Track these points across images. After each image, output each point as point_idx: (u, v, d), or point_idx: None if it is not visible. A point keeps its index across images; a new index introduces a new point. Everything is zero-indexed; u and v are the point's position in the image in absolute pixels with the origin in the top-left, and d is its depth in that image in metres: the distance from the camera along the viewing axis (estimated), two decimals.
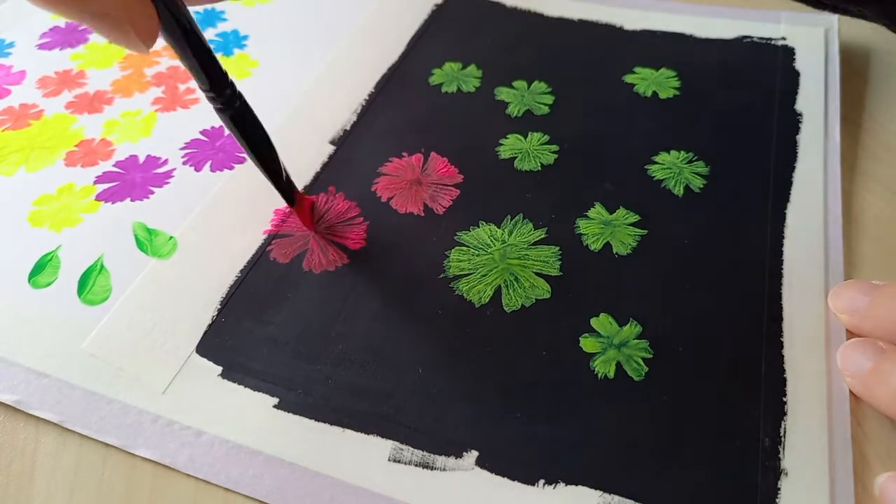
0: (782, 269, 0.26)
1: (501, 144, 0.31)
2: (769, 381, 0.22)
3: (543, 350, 0.24)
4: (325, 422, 0.22)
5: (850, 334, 0.24)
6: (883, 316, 0.23)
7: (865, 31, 0.37)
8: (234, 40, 0.39)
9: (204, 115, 0.34)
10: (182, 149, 0.32)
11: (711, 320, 0.24)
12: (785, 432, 0.21)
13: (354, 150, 0.31)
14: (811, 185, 0.29)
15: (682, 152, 0.30)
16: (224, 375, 0.23)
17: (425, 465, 0.21)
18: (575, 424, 0.22)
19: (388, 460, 0.21)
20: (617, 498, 0.20)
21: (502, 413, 0.22)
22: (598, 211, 0.28)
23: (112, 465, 0.22)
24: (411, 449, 0.21)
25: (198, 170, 0.31)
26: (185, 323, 0.25)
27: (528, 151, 0.31)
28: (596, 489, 0.20)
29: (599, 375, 0.23)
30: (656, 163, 0.30)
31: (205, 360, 0.24)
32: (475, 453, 0.21)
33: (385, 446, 0.21)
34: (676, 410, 0.22)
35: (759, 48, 0.36)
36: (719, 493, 0.20)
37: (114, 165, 0.31)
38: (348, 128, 0.33)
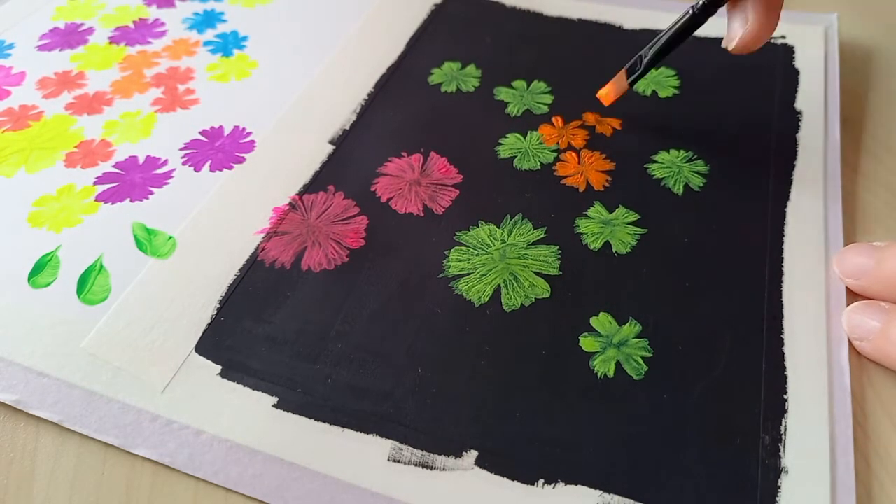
0: (783, 266, 0.25)
1: (501, 144, 0.31)
2: (770, 378, 0.22)
3: (543, 349, 0.24)
4: (324, 421, 0.22)
5: (854, 297, 0.24)
6: (891, 276, 0.23)
7: (865, 31, 0.37)
8: (234, 41, 0.39)
9: (203, 115, 0.34)
10: (182, 149, 0.32)
11: (711, 319, 0.24)
12: (786, 430, 0.21)
13: (354, 150, 0.31)
14: (811, 183, 0.28)
15: (682, 151, 0.30)
16: (223, 374, 0.23)
17: (425, 465, 0.21)
18: (574, 424, 0.22)
19: (388, 460, 0.21)
20: (616, 498, 0.20)
21: (502, 413, 0.22)
22: (597, 210, 0.28)
23: (112, 464, 0.22)
24: (411, 448, 0.21)
25: (197, 170, 0.31)
26: (184, 322, 0.25)
27: (527, 151, 0.31)
28: (595, 489, 0.20)
29: (599, 375, 0.23)
30: (656, 161, 0.30)
31: (204, 359, 0.24)
32: (475, 453, 0.21)
33: (385, 446, 0.21)
34: (676, 409, 0.22)
35: None
36: (720, 491, 0.20)
37: (113, 166, 0.31)
38: (347, 127, 0.33)
